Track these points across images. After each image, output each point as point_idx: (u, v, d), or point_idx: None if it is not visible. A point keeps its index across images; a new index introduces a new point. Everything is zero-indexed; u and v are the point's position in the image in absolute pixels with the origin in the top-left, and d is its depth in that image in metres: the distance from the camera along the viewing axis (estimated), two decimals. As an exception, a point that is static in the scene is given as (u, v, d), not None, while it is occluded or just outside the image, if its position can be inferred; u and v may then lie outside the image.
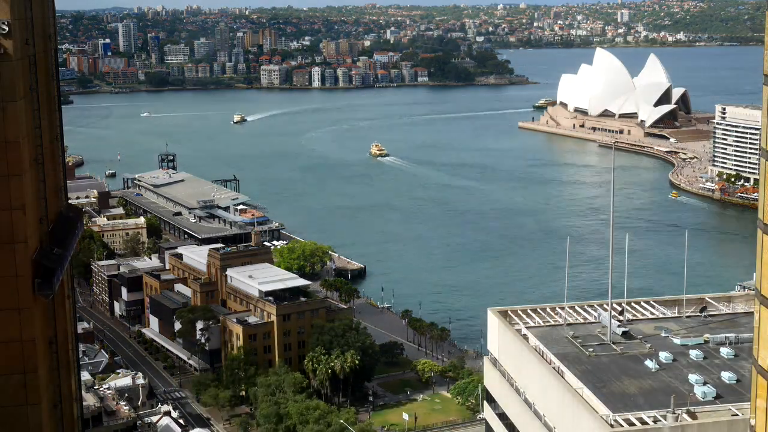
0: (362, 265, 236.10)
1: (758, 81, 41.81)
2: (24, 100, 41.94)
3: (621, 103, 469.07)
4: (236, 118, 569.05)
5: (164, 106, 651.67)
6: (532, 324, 71.07)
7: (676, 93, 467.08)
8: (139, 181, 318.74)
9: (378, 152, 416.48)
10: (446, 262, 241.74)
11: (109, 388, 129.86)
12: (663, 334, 68.26)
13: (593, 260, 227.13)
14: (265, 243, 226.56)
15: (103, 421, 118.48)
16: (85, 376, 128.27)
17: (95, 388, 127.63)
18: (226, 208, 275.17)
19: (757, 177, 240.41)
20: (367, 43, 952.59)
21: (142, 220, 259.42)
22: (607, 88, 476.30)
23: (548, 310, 74.31)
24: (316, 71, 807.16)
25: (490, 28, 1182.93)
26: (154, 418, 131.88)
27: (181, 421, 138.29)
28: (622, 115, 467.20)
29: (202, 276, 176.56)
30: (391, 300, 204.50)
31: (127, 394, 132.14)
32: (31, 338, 42.08)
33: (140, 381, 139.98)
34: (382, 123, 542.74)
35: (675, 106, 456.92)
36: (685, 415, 54.07)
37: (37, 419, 42.61)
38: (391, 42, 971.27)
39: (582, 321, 72.32)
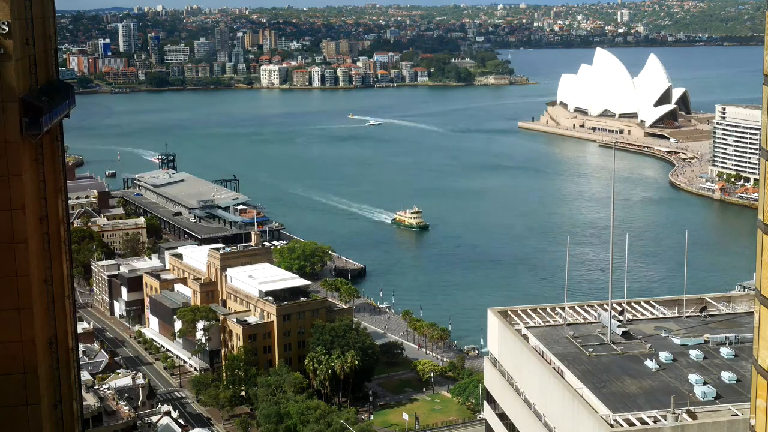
0: (362, 265, 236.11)
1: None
2: (24, 100, 41.91)
3: (621, 103, 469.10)
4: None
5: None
6: (532, 324, 71.05)
7: (676, 93, 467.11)
8: (139, 181, 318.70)
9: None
10: (446, 261, 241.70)
11: (109, 388, 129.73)
12: (663, 334, 68.24)
13: (593, 260, 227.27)
14: (265, 243, 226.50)
15: (103, 421, 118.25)
16: (85, 376, 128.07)
17: (95, 388, 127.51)
18: (226, 208, 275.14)
19: (757, 177, 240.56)
20: (367, 43, 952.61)
21: (142, 220, 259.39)
22: (607, 88, 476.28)
23: (548, 310, 74.29)
24: (316, 71, 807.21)
25: (490, 28, 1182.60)
26: (154, 418, 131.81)
27: (181, 421, 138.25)
28: (622, 115, 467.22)
29: (202, 276, 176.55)
30: (391, 300, 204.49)
31: (127, 394, 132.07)
32: (31, 338, 42.12)
33: (140, 381, 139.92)
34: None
35: (675, 106, 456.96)
36: (685, 415, 54.06)
37: (37, 419, 42.63)
38: (391, 42, 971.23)
39: (582, 321, 72.31)
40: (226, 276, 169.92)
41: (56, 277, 45.76)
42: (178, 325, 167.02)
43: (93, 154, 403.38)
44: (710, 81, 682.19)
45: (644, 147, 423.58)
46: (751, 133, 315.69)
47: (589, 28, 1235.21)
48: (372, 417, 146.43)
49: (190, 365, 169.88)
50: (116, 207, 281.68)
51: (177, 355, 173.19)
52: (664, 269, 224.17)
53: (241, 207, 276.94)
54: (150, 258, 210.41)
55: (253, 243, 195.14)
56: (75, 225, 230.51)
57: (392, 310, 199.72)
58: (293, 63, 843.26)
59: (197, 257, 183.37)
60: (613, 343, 66.17)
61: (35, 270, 42.46)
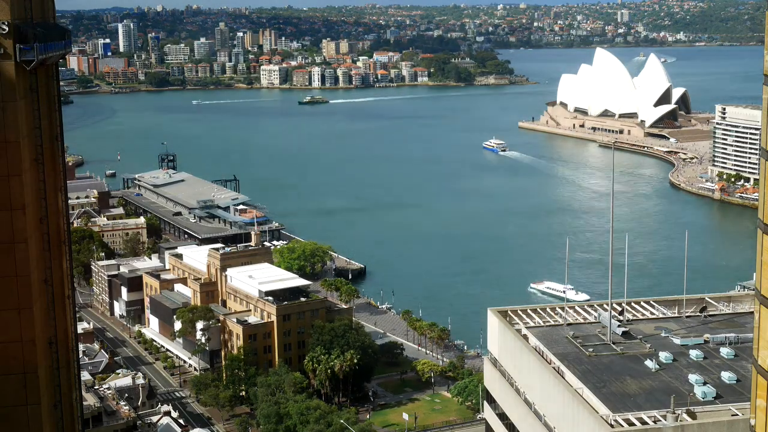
0: (362, 265, 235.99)
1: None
2: (24, 100, 41.98)
3: (621, 103, 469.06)
4: None
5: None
6: (532, 324, 71.06)
7: (676, 93, 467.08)
8: (139, 181, 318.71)
9: None
10: (447, 261, 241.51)
11: (109, 388, 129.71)
12: (663, 334, 68.25)
13: (593, 260, 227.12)
14: (265, 243, 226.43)
15: (103, 421, 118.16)
16: (85, 376, 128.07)
17: (95, 388, 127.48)
18: (226, 208, 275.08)
19: (757, 177, 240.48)
20: (367, 43, 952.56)
21: (142, 220, 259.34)
22: (607, 88, 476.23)
23: (548, 310, 74.30)
24: (316, 71, 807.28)
25: (490, 28, 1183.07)
26: (154, 418, 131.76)
27: (181, 421, 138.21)
28: (622, 115, 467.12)
29: (202, 276, 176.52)
30: (391, 300, 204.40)
31: (127, 394, 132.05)
32: (31, 338, 42.13)
33: (140, 381, 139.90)
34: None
35: (675, 106, 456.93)
36: (685, 415, 54.07)
37: (37, 419, 42.65)
38: (391, 42, 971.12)
39: (582, 321, 72.32)
40: (226, 276, 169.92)
41: (56, 277, 45.76)
42: (177, 325, 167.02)
43: (93, 154, 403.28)
44: (709, 81, 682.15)
45: (644, 147, 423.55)
46: (751, 133, 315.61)
47: (589, 28, 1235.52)
48: (370, 416, 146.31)
49: (190, 365, 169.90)
50: (116, 207, 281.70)
51: (177, 355, 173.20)
52: (664, 269, 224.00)
53: (241, 207, 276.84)
54: (150, 258, 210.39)
55: (253, 243, 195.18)
56: (75, 225, 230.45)
57: (392, 311, 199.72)
58: (293, 63, 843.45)
59: (197, 257, 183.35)
60: (613, 343, 66.18)
61: (35, 270, 42.46)
